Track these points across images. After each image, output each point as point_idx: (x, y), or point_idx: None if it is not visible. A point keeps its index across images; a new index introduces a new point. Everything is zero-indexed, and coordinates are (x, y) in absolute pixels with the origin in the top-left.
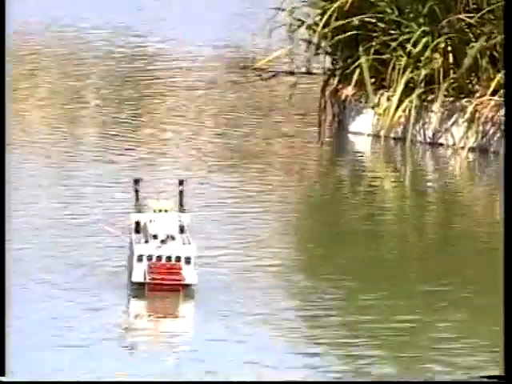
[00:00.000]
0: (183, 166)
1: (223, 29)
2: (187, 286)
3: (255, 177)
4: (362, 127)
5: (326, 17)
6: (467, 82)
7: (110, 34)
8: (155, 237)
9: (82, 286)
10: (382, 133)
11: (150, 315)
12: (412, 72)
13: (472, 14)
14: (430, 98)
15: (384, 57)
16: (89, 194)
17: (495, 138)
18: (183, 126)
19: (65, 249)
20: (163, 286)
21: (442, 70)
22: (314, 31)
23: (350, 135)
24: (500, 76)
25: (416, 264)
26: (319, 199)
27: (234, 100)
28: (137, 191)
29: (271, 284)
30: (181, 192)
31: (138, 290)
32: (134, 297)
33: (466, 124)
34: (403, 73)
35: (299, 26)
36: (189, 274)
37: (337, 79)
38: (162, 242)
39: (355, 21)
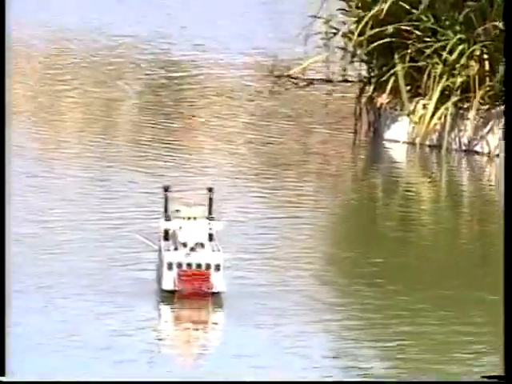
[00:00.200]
0: (216, 173)
1: (258, 36)
2: (216, 293)
3: (289, 183)
4: (398, 135)
5: (361, 25)
6: (503, 89)
7: (139, 41)
8: (184, 244)
9: (113, 291)
10: (418, 140)
11: (179, 323)
12: (448, 79)
13: None
14: (465, 105)
15: (419, 64)
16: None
17: None
18: (217, 133)
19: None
20: (193, 294)
21: (477, 77)
22: (350, 39)
23: (385, 143)
24: None
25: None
26: (353, 206)
27: (269, 108)
28: (166, 198)
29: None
30: (210, 199)
31: (168, 297)
32: (163, 304)
33: (501, 132)
34: (439, 80)
35: (335, 34)
36: (218, 282)
37: (372, 87)
38: (192, 249)
39: (390, 29)
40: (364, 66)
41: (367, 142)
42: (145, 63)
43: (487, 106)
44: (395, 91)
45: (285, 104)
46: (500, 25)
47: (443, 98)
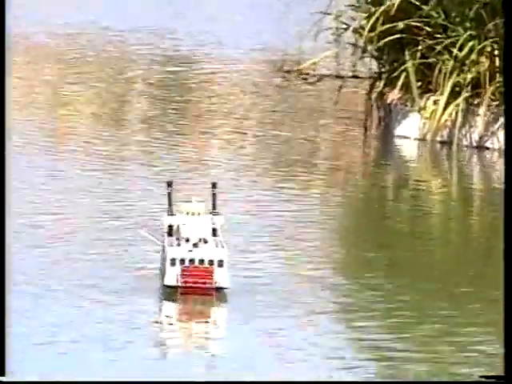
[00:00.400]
0: (225, 169)
1: (268, 32)
2: (220, 289)
3: (299, 179)
4: (408, 131)
5: (371, 21)
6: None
7: (146, 35)
8: (187, 240)
9: (116, 288)
10: (428, 136)
11: (182, 318)
12: (458, 76)
13: None
14: (476, 101)
15: (430, 60)
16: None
17: None
18: (227, 129)
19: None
20: (196, 290)
21: (488, 73)
22: (360, 35)
23: (395, 139)
24: None
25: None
26: (363, 202)
27: (279, 103)
28: (169, 194)
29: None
30: (214, 195)
31: (171, 293)
32: (166, 300)
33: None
34: (449, 76)
35: (345, 30)
36: (221, 278)
37: (383, 83)
38: (195, 245)
39: (401, 25)
40: (374, 62)
41: (377, 138)
42: (151, 58)
43: (498, 102)
44: (406, 87)
45: (294, 99)
46: None
47: (454, 94)
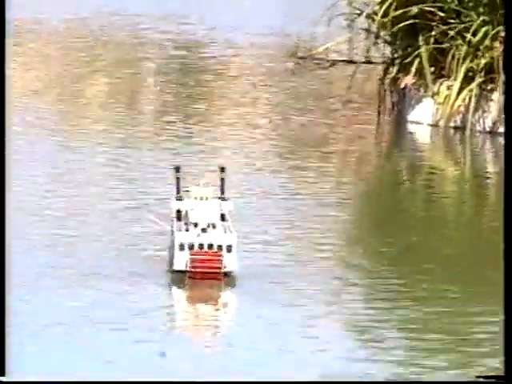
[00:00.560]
0: (238, 154)
1: (281, 17)
2: (229, 274)
3: (312, 164)
4: (421, 116)
5: (385, 6)
6: None
7: (156, 21)
8: (196, 225)
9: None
10: (442, 122)
11: (190, 303)
12: (472, 61)
13: None
14: (489, 87)
15: (443, 46)
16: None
17: None
18: (240, 113)
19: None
20: (205, 275)
21: (501, 58)
22: (373, 20)
23: (408, 124)
24: None
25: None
26: (376, 188)
27: (292, 88)
28: (178, 179)
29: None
30: (222, 179)
31: (180, 278)
32: (175, 285)
33: None
34: (463, 62)
35: (359, 15)
36: (230, 262)
37: (396, 68)
38: (203, 230)
39: (414, 10)
40: (388, 48)
41: (390, 124)
42: (162, 43)
43: None
44: (419, 73)
45: (307, 84)
46: None
47: (467, 79)
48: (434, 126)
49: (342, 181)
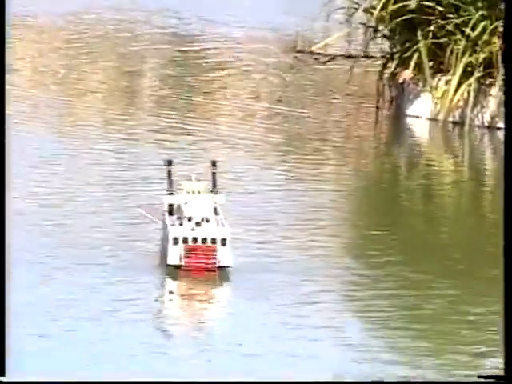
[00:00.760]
0: (237, 148)
1: (279, 12)
2: (223, 268)
3: (310, 158)
4: (420, 111)
5: (383, 0)
6: None
7: (152, 15)
8: (190, 219)
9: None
10: (440, 116)
11: (184, 297)
12: (470, 56)
13: None
14: (488, 81)
15: (442, 40)
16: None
17: None
18: (239, 107)
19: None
20: (199, 269)
21: (500, 53)
22: (372, 14)
23: (407, 118)
24: None
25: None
26: (375, 180)
27: (291, 83)
28: (169, 173)
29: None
30: (213, 173)
31: (174, 272)
32: (169, 279)
33: None
34: (461, 56)
35: (357, 9)
36: (224, 256)
37: (395, 63)
38: (197, 224)
39: (413, 4)
40: (386, 42)
41: (389, 118)
42: (159, 37)
43: None
44: (418, 67)
45: (306, 78)
46: None
47: (466, 74)
48: (433, 120)
49: (337, 175)
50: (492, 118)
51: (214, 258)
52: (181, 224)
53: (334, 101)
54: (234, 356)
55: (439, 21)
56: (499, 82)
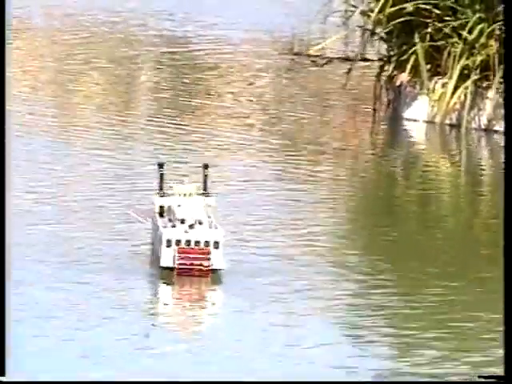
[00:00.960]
0: (234, 150)
1: (277, 15)
2: (216, 270)
3: (307, 160)
4: (417, 114)
5: (380, 3)
6: None
7: (146, 17)
8: (182, 221)
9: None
10: (437, 119)
11: (178, 300)
12: (467, 59)
13: None
14: (485, 84)
15: (439, 43)
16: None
17: None
18: (235, 110)
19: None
20: (192, 271)
21: (497, 56)
22: (369, 17)
23: (404, 121)
24: None
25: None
26: (372, 184)
27: (287, 85)
28: (161, 175)
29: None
30: (205, 176)
31: (167, 274)
32: (162, 282)
33: None
34: (458, 59)
35: (354, 12)
36: (217, 259)
37: (392, 65)
38: (190, 226)
39: (410, 7)
40: (383, 45)
41: (386, 121)
42: (154, 39)
43: None
44: (415, 70)
45: (303, 81)
46: None
47: (463, 77)
48: (430, 123)
49: (334, 177)
50: (489, 120)
51: (208, 260)
52: (173, 226)
53: (330, 103)
54: (228, 357)
55: (436, 24)
56: (496, 84)
